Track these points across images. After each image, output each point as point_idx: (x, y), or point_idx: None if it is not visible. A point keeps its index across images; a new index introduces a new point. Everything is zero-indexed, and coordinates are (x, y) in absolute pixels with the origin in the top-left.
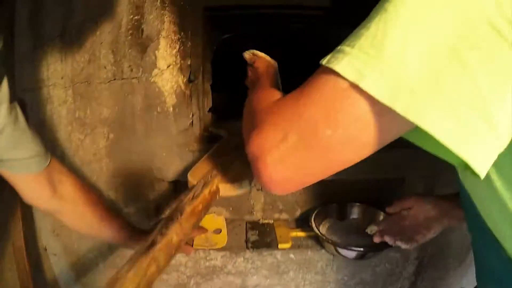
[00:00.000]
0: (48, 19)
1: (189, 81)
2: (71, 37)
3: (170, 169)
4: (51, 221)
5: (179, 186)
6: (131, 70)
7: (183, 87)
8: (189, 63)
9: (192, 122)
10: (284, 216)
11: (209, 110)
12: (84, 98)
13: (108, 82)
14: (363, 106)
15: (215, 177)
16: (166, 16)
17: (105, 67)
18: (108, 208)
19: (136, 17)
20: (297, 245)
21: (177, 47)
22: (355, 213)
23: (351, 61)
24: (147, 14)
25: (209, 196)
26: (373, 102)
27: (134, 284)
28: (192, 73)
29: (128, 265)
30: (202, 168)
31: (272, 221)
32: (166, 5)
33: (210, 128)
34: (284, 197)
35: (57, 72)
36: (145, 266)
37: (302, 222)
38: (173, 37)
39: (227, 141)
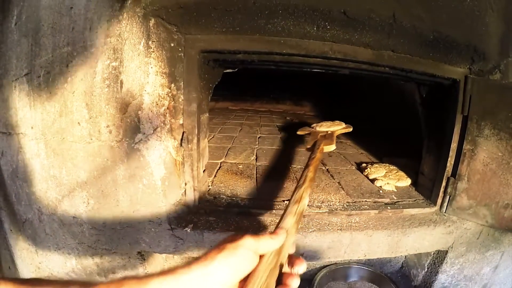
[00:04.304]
0: (13, 53)
1: (181, 144)
2: (39, 80)
3: (161, 245)
4: (32, 270)
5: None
6: (110, 131)
7: (173, 153)
8: (181, 122)
9: (185, 191)
10: None
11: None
12: (58, 155)
13: (84, 142)
14: None
15: (320, 142)
16: (152, 65)
17: (79, 123)
18: None
19: (113, 64)
20: None
21: (166, 103)
22: (361, 276)
23: None
24: (127, 60)
25: (321, 153)
26: None
27: (294, 208)
28: (185, 137)
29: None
30: (306, 130)
31: None
32: (152, 50)
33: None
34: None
35: (26, 120)
36: (301, 194)
37: (301, 283)
38: (160, 92)
39: (313, 134)
